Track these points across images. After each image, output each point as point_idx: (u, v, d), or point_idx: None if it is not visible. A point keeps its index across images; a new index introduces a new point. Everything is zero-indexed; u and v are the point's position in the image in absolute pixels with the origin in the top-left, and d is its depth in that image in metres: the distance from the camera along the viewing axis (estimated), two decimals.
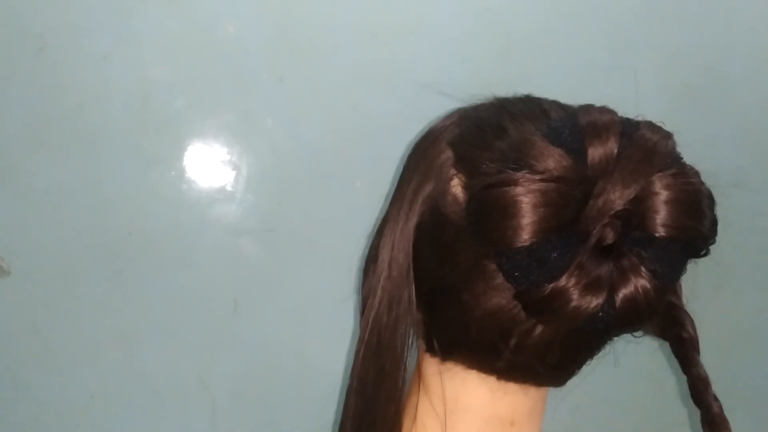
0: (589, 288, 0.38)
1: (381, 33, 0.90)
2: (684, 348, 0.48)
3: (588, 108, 0.42)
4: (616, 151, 0.39)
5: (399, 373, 0.49)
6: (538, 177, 0.38)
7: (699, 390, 0.47)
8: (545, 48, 0.94)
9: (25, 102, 0.84)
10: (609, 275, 0.38)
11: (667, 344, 0.49)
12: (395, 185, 0.52)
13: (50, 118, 0.84)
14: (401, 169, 0.52)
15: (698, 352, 0.48)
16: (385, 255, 0.49)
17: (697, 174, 0.40)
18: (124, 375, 0.90)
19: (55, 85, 0.84)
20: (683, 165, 0.40)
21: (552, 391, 0.51)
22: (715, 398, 0.47)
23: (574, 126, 0.40)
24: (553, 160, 0.38)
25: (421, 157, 0.50)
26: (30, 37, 0.83)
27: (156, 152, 0.87)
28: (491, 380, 0.47)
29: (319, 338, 0.94)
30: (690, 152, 0.42)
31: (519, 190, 0.38)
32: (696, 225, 0.39)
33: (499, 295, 0.43)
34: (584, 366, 0.48)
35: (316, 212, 0.92)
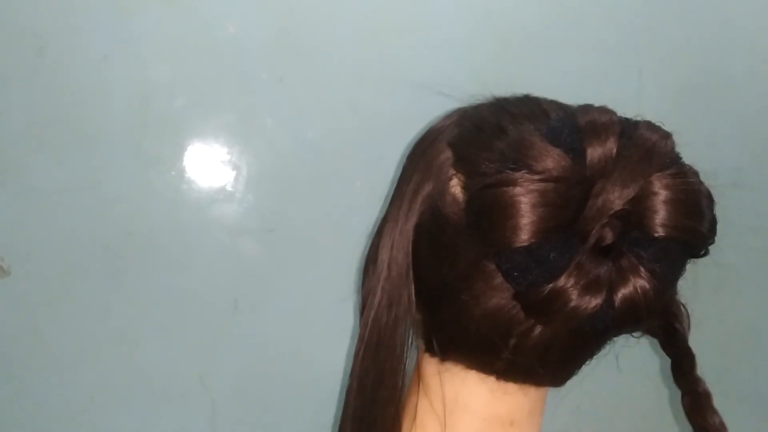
0: (588, 288, 0.38)
1: (381, 33, 0.90)
2: (676, 338, 0.48)
3: (587, 108, 0.42)
4: (615, 151, 0.39)
5: (399, 373, 0.49)
6: (537, 177, 0.38)
7: (686, 370, 0.48)
8: (545, 48, 0.94)
9: (25, 102, 0.84)
10: (608, 275, 0.38)
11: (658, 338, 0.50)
12: (395, 185, 0.52)
13: (50, 118, 0.84)
14: (401, 169, 0.52)
15: (687, 341, 0.48)
16: (384, 255, 0.49)
17: (696, 174, 0.40)
18: (124, 375, 0.90)
19: (55, 85, 0.84)
20: (682, 165, 0.40)
21: (552, 391, 0.51)
22: (701, 379, 0.48)
23: (573, 126, 0.40)
24: (552, 160, 0.38)
25: (420, 157, 0.50)
26: (30, 37, 0.83)
27: (156, 152, 0.87)
28: (491, 380, 0.47)
29: (319, 338, 0.94)
30: (690, 152, 0.42)
31: (518, 190, 0.38)
32: (695, 225, 0.39)
33: (499, 295, 0.43)
34: (584, 366, 0.49)
35: (316, 212, 0.92)
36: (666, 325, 0.49)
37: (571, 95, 0.50)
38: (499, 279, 0.42)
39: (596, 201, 0.38)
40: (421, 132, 0.52)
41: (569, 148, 0.39)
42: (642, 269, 0.38)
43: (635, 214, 0.38)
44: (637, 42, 0.97)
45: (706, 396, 0.48)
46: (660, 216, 0.38)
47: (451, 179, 0.46)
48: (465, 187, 0.44)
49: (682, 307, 0.48)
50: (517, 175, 0.38)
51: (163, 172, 0.88)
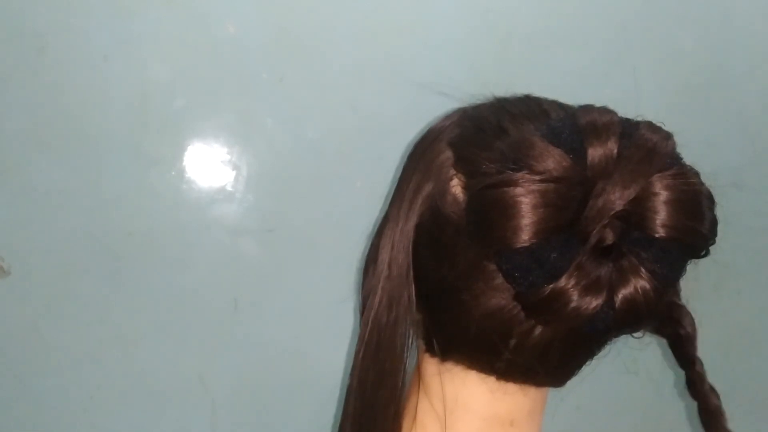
0: (589, 289, 0.38)
1: (381, 33, 0.90)
2: (681, 345, 0.48)
3: (588, 108, 0.42)
4: (615, 151, 0.39)
5: (399, 374, 0.49)
6: (537, 177, 0.38)
7: (695, 384, 0.48)
8: (545, 48, 0.94)
9: (25, 102, 0.84)
10: (608, 276, 0.38)
11: (666, 343, 0.50)
12: (395, 185, 0.52)
13: (50, 118, 0.84)
14: (401, 169, 0.52)
15: (695, 349, 0.48)
16: (384, 255, 0.49)
17: (696, 174, 0.40)
18: (124, 375, 0.90)
19: (55, 85, 0.84)
20: (683, 165, 0.40)
21: (552, 391, 0.51)
22: (712, 389, 0.48)
23: (573, 126, 0.40)
24: (552, 160, 0.38)
25: (420, 157, 0.50)
26: (30, 37, 0.83)
27: (156, 152, 0.87)
28: (491, 380, 0.47)
29: (319, 338, 0.94)
30: (690, 152, 0.42)
31: (519, 190, 0.38)
32: (696, 225, 0.39)
33: (499, 295, 0.43)
34: (584, 366, 0.49)
35: (316, 212, 0.92)
36: (671, 333, 0.48)
37: (571, 95, 0.50)
38: (499, 279, 0.42)
39: (597, 201, 0.38)
40: (421, 132, 0.52)
41: (570, 149, 0.39)
42: (642, 270, 0.38)
43: (636, 214, 0.38)
44: (637, 42, 0.97)
45: (716, 413, 0.47)
46: (661, 216, 0.38)
47: (451, 179, 0.46)
48: (465, 188, 0.44)
49: (685, 311, 0.48)
50: (518, 175, 0.38)
51: (163, 172, 0.88)
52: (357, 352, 0.51)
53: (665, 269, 0.39)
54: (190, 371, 0.92)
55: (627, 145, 0.39)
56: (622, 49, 0.97)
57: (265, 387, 0.94)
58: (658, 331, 0.49)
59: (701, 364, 0.48)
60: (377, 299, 0.49)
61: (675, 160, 0.40)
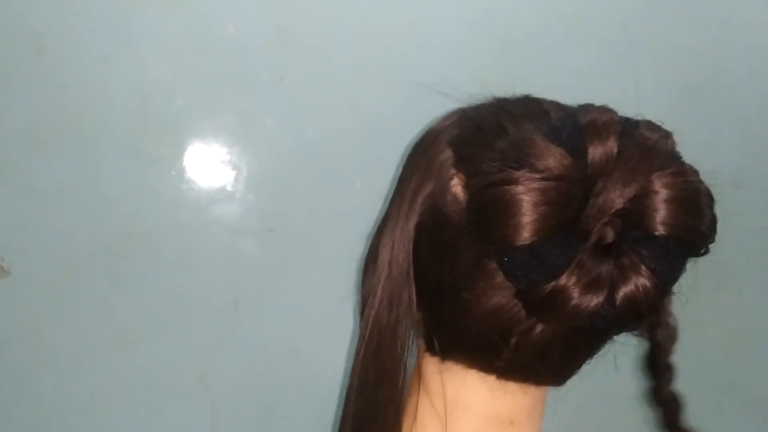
0: (590, 286, 0.38)
1: (381, 33, 0.90)
2: (657, 350, 0.48)
3: (588, 107, 0.42)
4: (616, 150, 0.39)
5: (399, 373, 0.49)
6: (538, 176, 0.38)
7: (661, 391, 0.48)
8: (545, 48, 0.94)
9: (25, 102, 0.84)
10: (609, 274, 0.39)
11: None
12: (395, 185, 0.52)
13: (50, 118, 0.84)
14: (401, 169, 0.52)
15: (669, 355, 0.48)
16: (385, 255, 0.49)
17: (696, 173, 0.41)
18: (124, 375, 0.90)
19: (55, 85, 0.84)
20: (682, 164, 0.40)
21: (552, 391, 0.51)
22: (676, 398, 0.48)
23: (574, 125, 0.40)
24: (553, 158, 0.38)
25: (420, 157, 0.50)
26: (30, 37, 0.83)
27: (156, 152, 0.87)
28: (491, 379, 0.47)
29: (319, 338, 0.94)
30: (690, 152, 0.42)
31: (519, 188, 0.38)
32: (695, 224, 0.39)
33: (500, 294, 0.43)
34: (584, 365, 0.49)
35: (316, 212, 0.92)
36: (651, 336, 0.48)
37: (571, 95, 0.50)
38: (500, 278, 0.42)
39: (597, 200, 0.38)
40: (421, 132, 0.52)
41: (570, 147, 0.39)
42: (643, 267, 0.38)
43: (636, 212, 0.38)
44: (637, 42, 0.97)
45: (677, 421, 0.48)
46: (660, 214, 0.38)
47: (451, 179, 0.46)
48: (466, 187, 0.45)
49: (670, 316, 0.48)
50: (519, 173, 0.39)
51: (163, 172, 0.88)
52: (357, 352, 0.51)
53: (665, 267, 0.39)
54: (190, 371, 0.92)
55: (627, 143, 0.39)
56: (622, 49, 0.97)
57: (265, 387, 0.94)
58: (647, 330, 0.49)
59: (673, 371, 0.48)
60: (377, 299, 0.49)
61: (674, 158, 0.40)
